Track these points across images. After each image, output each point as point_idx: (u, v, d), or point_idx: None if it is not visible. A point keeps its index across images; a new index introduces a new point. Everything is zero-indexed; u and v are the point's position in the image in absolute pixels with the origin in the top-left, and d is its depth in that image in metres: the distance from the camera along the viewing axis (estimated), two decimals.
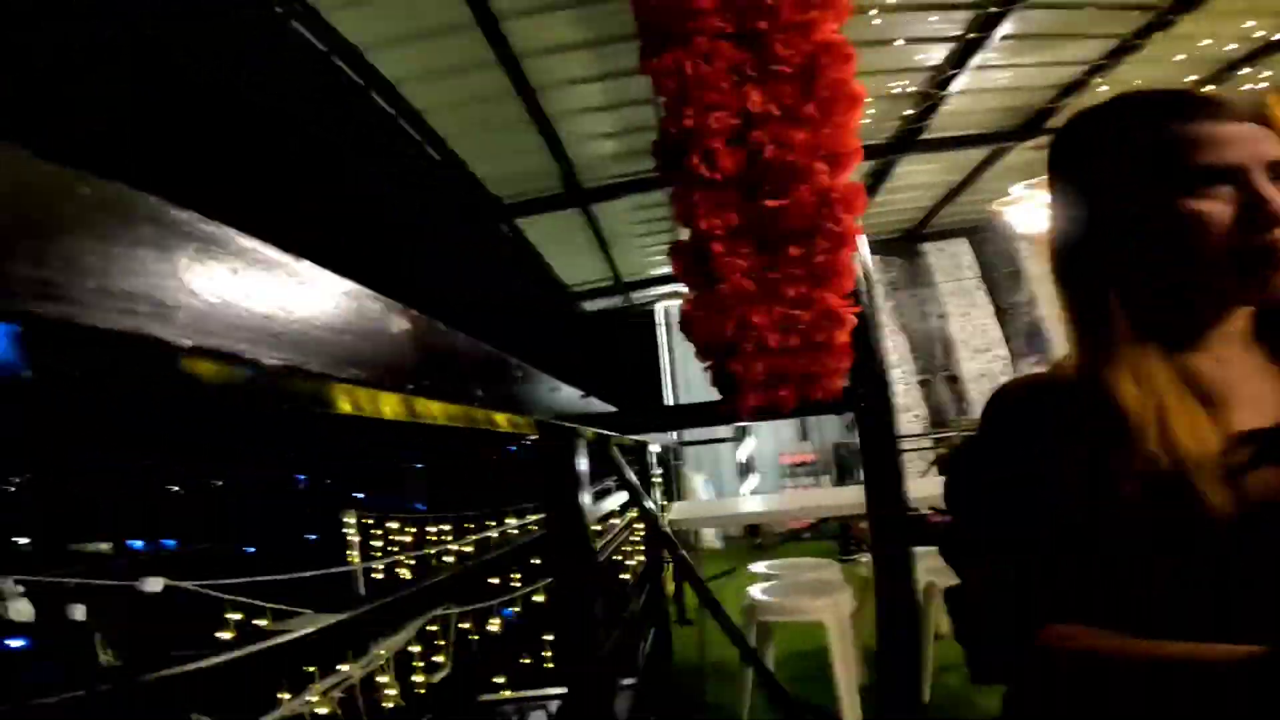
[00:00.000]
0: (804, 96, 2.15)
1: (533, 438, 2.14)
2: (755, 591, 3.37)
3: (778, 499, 6.29)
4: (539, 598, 5.88)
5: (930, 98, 5.92)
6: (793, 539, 9.09)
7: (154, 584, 4.33)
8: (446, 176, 5.83)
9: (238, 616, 4.66)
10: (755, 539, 9.57)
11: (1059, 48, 5.47)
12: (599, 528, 4.05)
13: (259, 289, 0.66)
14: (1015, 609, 0.78)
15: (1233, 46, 5.50)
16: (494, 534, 10.58)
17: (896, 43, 5.10)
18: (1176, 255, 0.79)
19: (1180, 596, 0.70)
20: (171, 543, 15.03)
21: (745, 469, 10.84)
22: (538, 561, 5.31)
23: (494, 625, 6.03)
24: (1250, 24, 5.15)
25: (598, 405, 2.49)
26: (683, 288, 2.28)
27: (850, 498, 4.01)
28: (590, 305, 10.01)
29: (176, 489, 18.46)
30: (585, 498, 2.04)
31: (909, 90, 5.86)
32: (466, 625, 5.68)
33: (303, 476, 20.31)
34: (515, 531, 10.47)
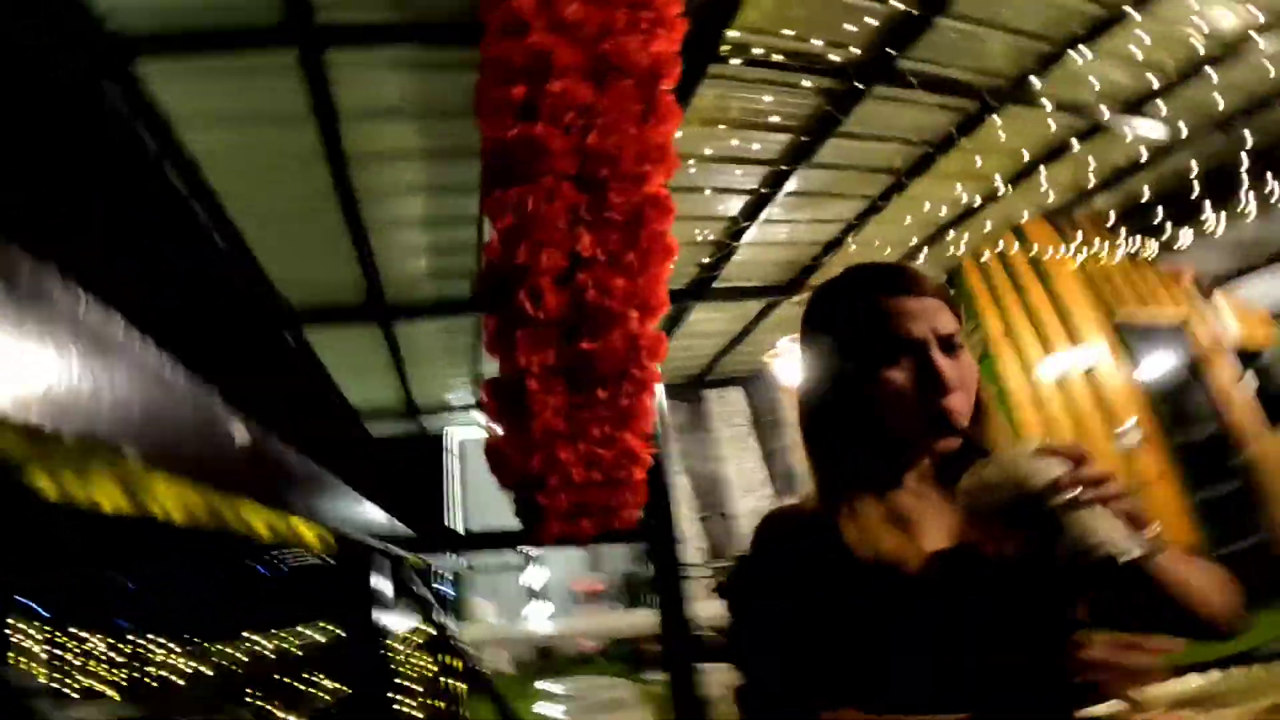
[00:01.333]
0: (628, 245, 2.23)
1: (304, 551, 2.05)
2: (551, 711, 3.36)
3: (571, 621, 6.28)
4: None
5: (724, 248, 6.17)
6: (584, 661, 8.98)
7: None
8: (234, 269, 5.31)
9: None
10: (546, 661, 9.38)
11: (825, 206, 5.90)
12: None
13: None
14: (791, 697, 0.92)
15: (944, 210, 6.19)
16: (240, 654, 9.66)
17: (704, 191, 5.33)
18: (876, 416, 0.96)
19: (916, 677, 0.87)
20: None
21: (535, 596, 10.70)
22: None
23: None
24: (959, 189, 5.86)
25: (399, 527, 2.47)
26: (479, 416, 2.29)
27: (641, 621, 4.14)
28: (376, 427, 9.46)
29: None
30: (385, 614, 2.01)
31: (708, 239, 6.09)
32: None
33: None
34: (269, 653, 9.59)
